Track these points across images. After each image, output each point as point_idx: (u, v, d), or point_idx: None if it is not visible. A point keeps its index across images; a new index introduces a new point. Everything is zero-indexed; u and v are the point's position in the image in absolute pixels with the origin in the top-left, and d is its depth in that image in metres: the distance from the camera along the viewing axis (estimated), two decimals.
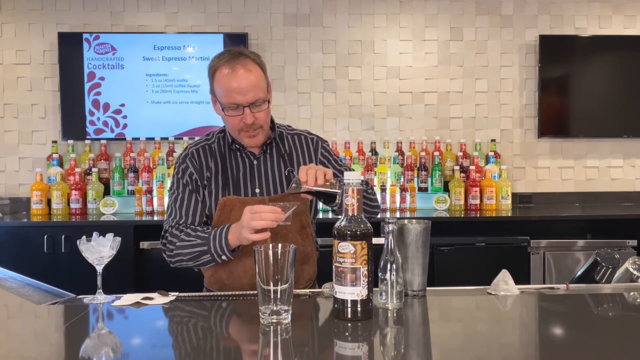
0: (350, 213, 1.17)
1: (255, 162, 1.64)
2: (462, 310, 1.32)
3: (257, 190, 1.62)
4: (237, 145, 1.63)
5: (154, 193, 3.36)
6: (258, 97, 1.51)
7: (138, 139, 3.58)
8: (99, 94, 3.58)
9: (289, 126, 1.75)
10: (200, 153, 1.63)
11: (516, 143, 3.76)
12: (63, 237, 2.97)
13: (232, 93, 1.49)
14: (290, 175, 1.63)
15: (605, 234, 3.26)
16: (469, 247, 3.06)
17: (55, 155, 3.47)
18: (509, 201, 3.44)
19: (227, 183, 1.60)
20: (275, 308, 1.12)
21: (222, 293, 1.54)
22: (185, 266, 1.59)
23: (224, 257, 1.51)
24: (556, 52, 3.65)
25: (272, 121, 1.66)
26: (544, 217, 3.24)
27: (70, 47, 3.55)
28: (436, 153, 3.57)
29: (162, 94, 3.59)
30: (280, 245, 1.14)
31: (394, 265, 1.22)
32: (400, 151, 3.59)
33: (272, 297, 1.12)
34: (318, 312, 1.32)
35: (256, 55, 1.56)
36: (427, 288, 1.37)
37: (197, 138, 1.72)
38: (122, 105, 3.59)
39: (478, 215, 3.27)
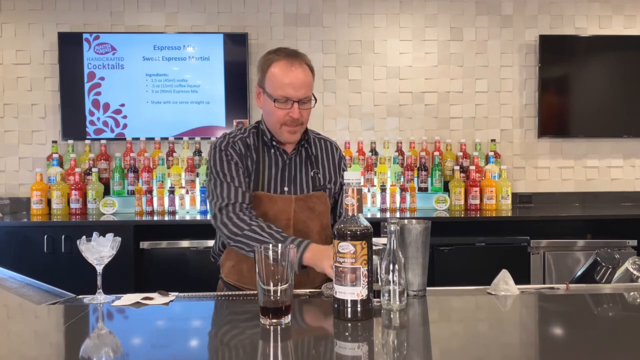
0: (350, 213, 1.17)
1: (287, 160, 1.69)
2: (462, 310, 1.32)
3: (286, 189, 1.67)
4: (273, 142, 1.68)
5: (154, 193, 3.36)
6: (307, 95, 1.61)
7: (138, 139, 3.58)
8: (99, 94, 3.58)
9: (313, 130, 1.81)
10: (240, 144, 1.67)
11: (516, 143, 3.75)
12: (63, 237, 2.97)
13: (286, 87, 1.58)
14: (315, 177, 1.70)
15: (605, 234, 3.26)
16: (469, 247, 3.06)
17: (55, 155, 3.47)
18: (509, 201, 3.44)
19: (259, 178, 1.65)
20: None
21: (222, 293, 1.54)
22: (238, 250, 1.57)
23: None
24: (556, 52, 3.65)
25: None
26: (544, 217, 3.23)
27: (70, 47, 3.55)
28: (436, 153, 3.57)
29: (162, 94, 3.59)
30: (280, 245, 1.14)
31: (396, 266, 1.22)
32: (400, 151, 3.58)
33: (272, 297, 1.12)
34: (318, 312, 1.32)
35: (308, 59, 1.67)
36: (427, 288, 1.37)
37: (229, 131, 1.75)
38: (122, 105, 3.59)
39: (478, 215, 3.27)
